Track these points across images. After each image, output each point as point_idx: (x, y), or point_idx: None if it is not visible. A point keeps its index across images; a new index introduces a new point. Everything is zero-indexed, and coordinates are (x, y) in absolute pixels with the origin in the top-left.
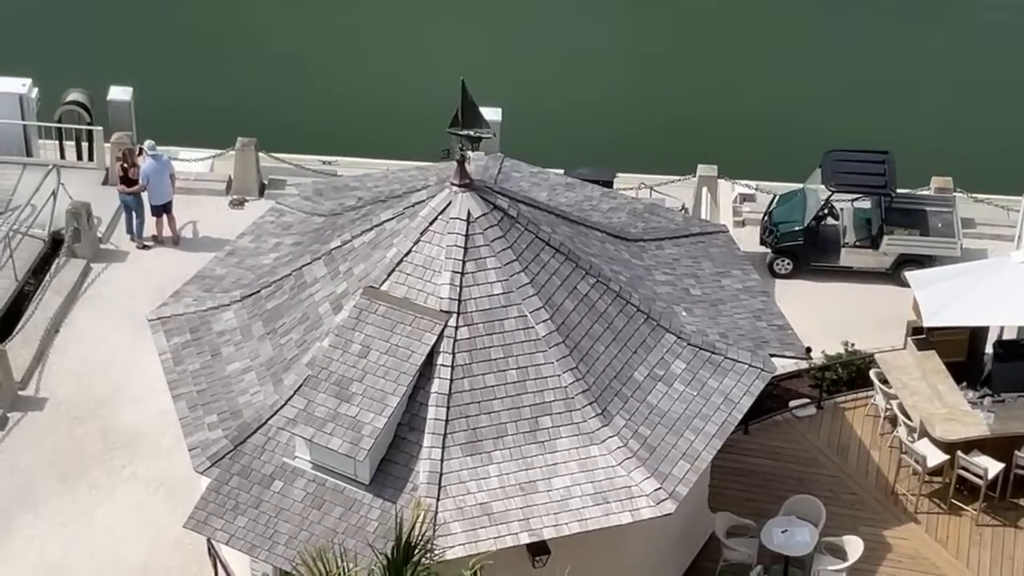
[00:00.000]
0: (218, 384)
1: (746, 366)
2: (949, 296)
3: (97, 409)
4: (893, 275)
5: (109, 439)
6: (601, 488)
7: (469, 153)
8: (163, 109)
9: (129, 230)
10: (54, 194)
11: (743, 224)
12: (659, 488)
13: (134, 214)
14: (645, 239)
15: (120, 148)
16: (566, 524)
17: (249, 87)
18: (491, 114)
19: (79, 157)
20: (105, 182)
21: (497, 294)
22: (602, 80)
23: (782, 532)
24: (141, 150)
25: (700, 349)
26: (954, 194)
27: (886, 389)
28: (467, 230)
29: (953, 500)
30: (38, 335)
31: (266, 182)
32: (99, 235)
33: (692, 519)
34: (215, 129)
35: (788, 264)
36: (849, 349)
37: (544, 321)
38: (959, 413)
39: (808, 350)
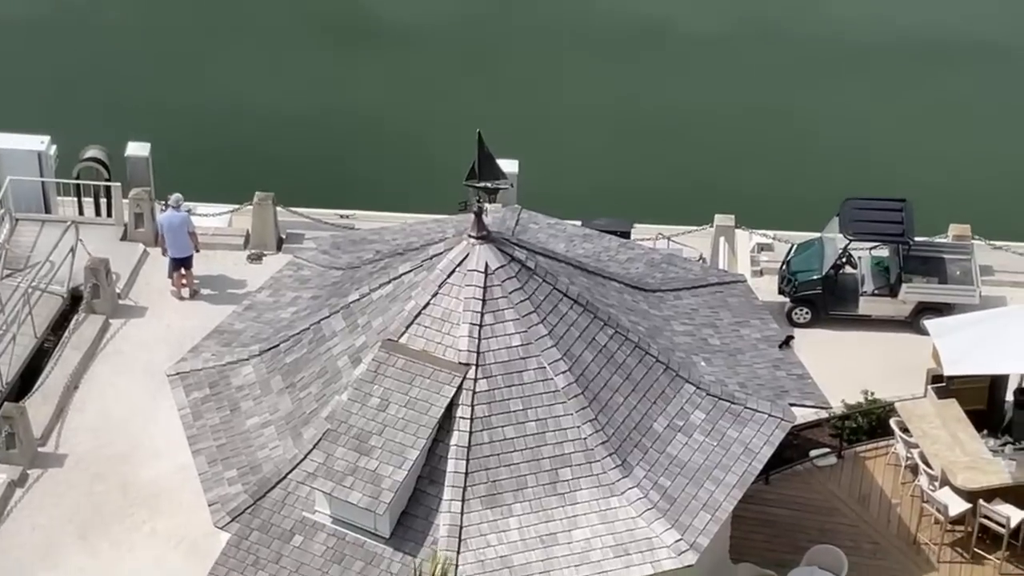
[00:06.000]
0: (237, 439)
1: (766, 416)
2: (969, 345)
3: (117, 465)
4: (912, 323)
5: (129, 495)
6: (621, 540)
7: (486, 205)
8: (181, 164)
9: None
10: (72, 251)
11: (761, 273)
12: (680, 539)
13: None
14: (663, 289)
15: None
16: None
17: (266, 142)
18: (508, 166)
19: (97, 213)
20: (124, 238)
21: (516, 346)
22: (618, 131)
23: None
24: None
25: (719, 399)
26: (972, 241)
27: (907, 438)
28: (485, 282)
29: (976, 549)
30: (57, 391)
31: (284, 236)
32: (118, 291)
33: (714, 570)
34: (233, 184)
35: (807, 313)
36: (869, 398)
37: (563, 372)
38: (980, 461)
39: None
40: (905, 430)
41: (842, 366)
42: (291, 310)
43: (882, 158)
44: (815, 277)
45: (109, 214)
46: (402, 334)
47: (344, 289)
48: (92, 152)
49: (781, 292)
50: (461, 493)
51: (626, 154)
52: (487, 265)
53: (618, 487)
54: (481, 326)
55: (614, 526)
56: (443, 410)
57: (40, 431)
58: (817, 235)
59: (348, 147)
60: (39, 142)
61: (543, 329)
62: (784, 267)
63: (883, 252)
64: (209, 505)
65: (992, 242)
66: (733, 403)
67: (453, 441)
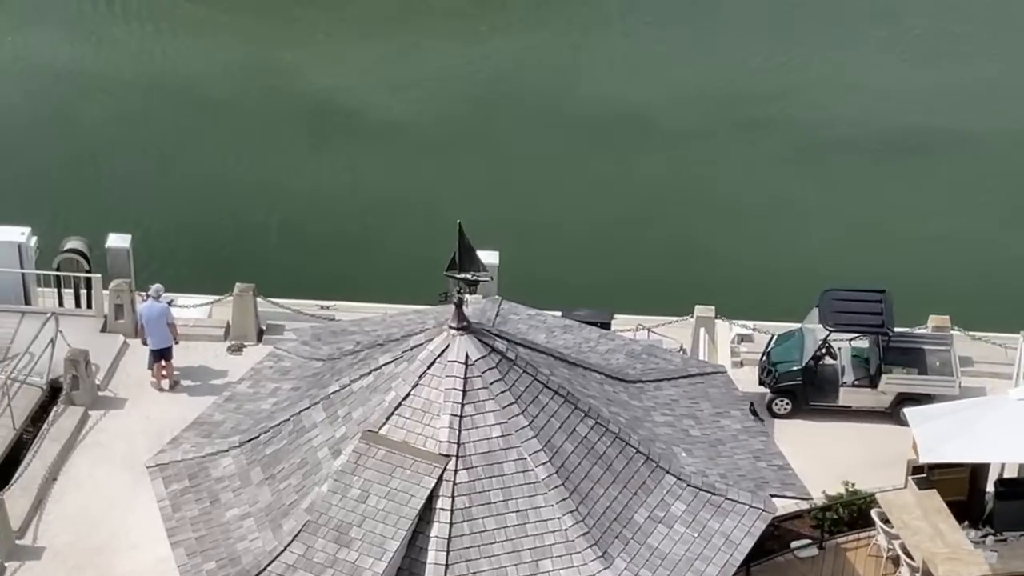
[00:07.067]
0: (217, 531)
1: (747, 507)
2: (947, 433)
3: (95, 557)
4: (892, 414)
5: None
6: None
7: (467, 296)
8: (161, 256)
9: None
10: (52, 342)
11: (741, 364)
12: None
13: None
14: (643, 380)
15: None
16: None
17: (247, 233)
18: (488, 257)
19: (77, 304)
20: (104, 329)
21: (496, 437)
22: (599, 222)
23: None
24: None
25: (700, 490)
26: (952, 332)
27: (888, 529)
28: (465, 373)
29: None
30: (36, 483)
31: (264, 327)
32: (97, 382)
33: None
34: (213, 275)
35: (787, 404)
36: (850, 489)
37: (543, 464)
38: (962, 552)
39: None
40: (886, 521)
41: (823, 457)
42: (271, 401)
43: (861, 249)
44: (795, 368)
45: (89, 305)
46: (382, 425)
47: (324, 380)
48: (72, 244)
49: (761, 383)
50: None
51: (606, 245)
52: (467, 356)
53: None
54: (461, 417)
55: None
56: (423, 501)
57: (18, 523)
58: (797, 326)
59: (329, 238)
60: (19, 234)
61: (523, 420)
62: (764, 358)
63: (863, 343)
64: None
65: (971, 333)
66: (714, 494)
67: (433, 533)
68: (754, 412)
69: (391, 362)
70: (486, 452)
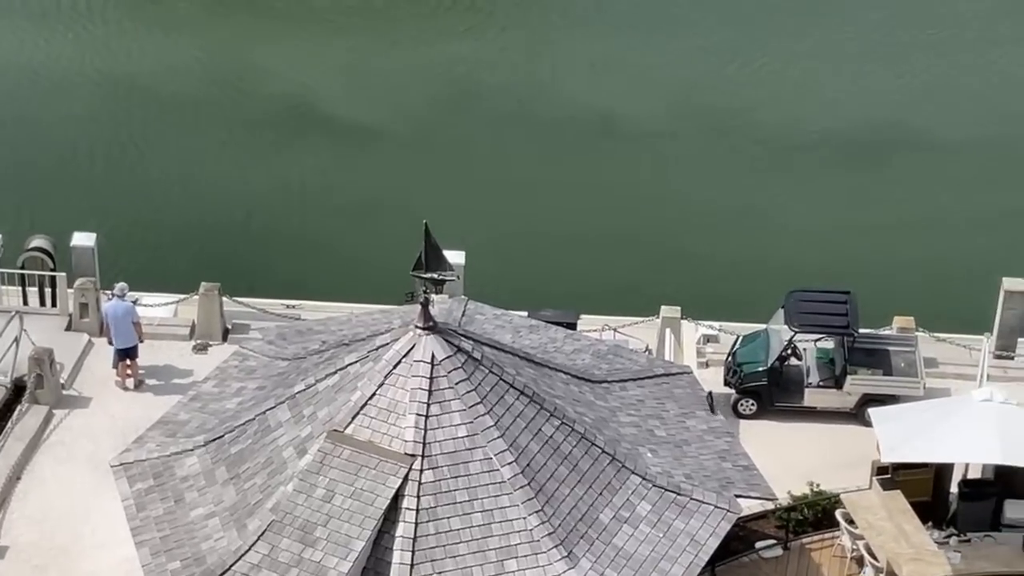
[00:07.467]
0: (181, 530)
1: (712, 507)
2: (909, 433)
3: (59, 557)
4: (857, 415)
5: None
6: None
7: (433, 296)
8: (127, 255)
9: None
10: (17, 340)
11: (707, 365)
12: None
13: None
14: (609, 380)
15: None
16: None
17: (212, 232)
18: (454, 257)
19: (42, 303)
20: (68, 328)
21: (462, 437)
22: (566, 223)
23: None
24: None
25: (665, 490)
26: (916, 333)
27: (852, 529)
28: (431, 373)
29: None
30: None
31: (230, 327)
32: (62, 381)
33: None
34: (179, 274)
35: (752, 405)
36: (814, 489)
37: (509, 464)
38: (925, 553)
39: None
40: (851, 522)
41: (788, 457)
42: (236, 400)
43: (827, 251)
44: (761, 369)
45: (54, 304)
46: (348, 425)
47: (290, 380)
48: (37, 242)
49: (727, 383)
50: None
51: (572, 245)
52: (433, 356)
53: None
54: (427, 417)
55: None
56: (389, 501)
57: None
58: (763, 327)
59: (295, 238)
60: None
61: (489, 420)
62: (730, 359)
63: (828, 344)
64: None
65: (936, 334)
66: (679, 494)
67: (399, 532)
68: (711, 403)
69: (357, 362)
70: (452, 452)
